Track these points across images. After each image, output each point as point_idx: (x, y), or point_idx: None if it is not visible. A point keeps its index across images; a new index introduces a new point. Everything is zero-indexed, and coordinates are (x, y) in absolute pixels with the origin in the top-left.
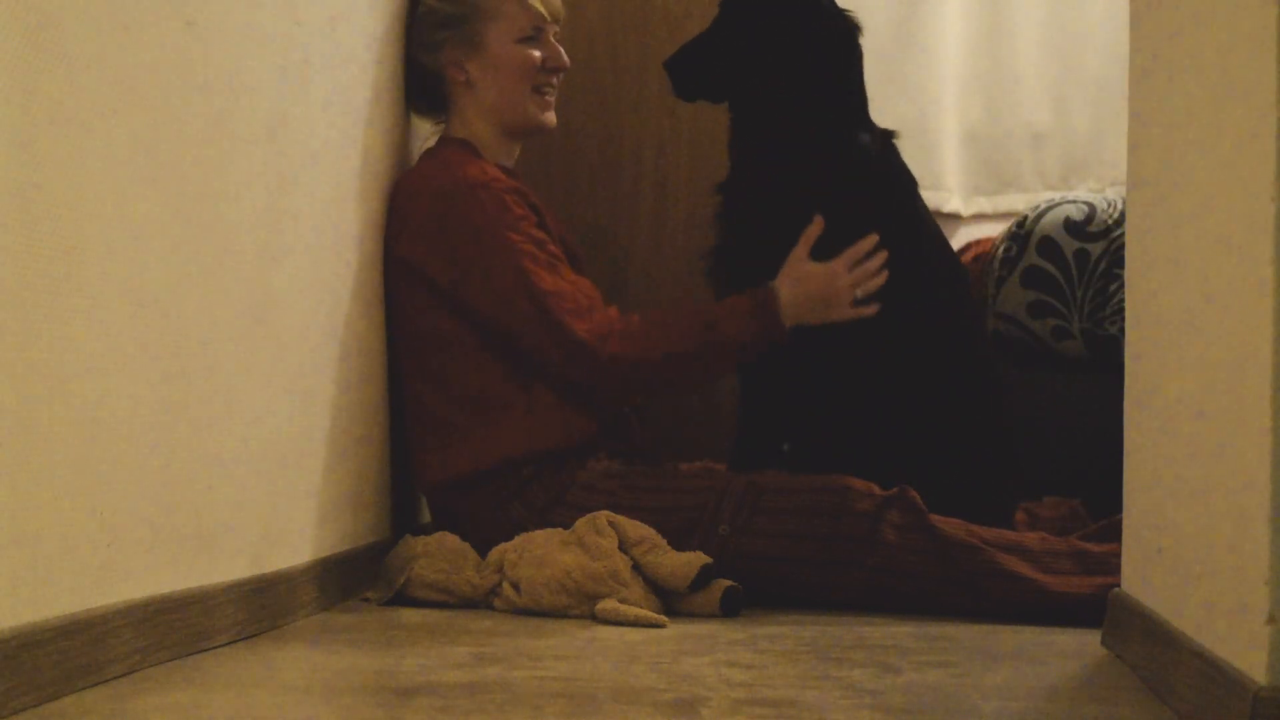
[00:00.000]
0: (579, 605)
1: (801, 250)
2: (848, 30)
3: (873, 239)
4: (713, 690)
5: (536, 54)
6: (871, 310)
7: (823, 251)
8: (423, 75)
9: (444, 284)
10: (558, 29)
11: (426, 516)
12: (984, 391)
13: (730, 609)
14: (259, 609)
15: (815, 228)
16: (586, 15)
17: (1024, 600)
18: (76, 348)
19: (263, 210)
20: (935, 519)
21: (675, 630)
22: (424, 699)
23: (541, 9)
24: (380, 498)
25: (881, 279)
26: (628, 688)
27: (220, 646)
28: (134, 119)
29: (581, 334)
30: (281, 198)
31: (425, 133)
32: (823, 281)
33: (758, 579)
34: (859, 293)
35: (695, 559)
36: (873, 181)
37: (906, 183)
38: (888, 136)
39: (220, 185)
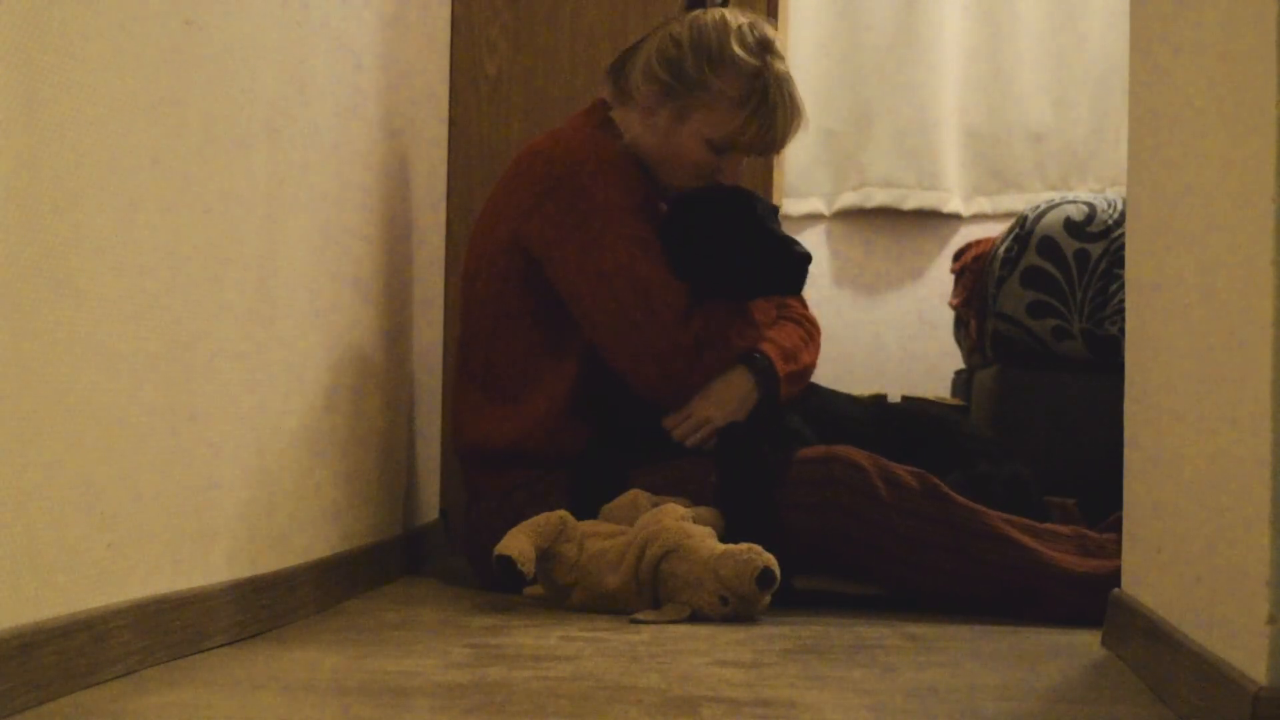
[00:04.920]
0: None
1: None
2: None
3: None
4: (713, 690)
5: (713, 163)
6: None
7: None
8: (625, 65)
9: (536, 253)
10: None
11: (428, 516)
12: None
13: (765, 583)
14: (259, 609)
15: None
16: (587, 15)
17: (1020, 566)
18: (76, 347)
19: (263, 209)
20: (942, 485)
21: (675, 630)
22: (424, 699)
23: (745, 137)
24: (381, 497)
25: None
26: (628, 688)
27: (220, 646)
28: (134, 119)
29: (684, 338)
30: (282, 196)
31: (434, 134)
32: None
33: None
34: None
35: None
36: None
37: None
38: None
39: (221, 184)
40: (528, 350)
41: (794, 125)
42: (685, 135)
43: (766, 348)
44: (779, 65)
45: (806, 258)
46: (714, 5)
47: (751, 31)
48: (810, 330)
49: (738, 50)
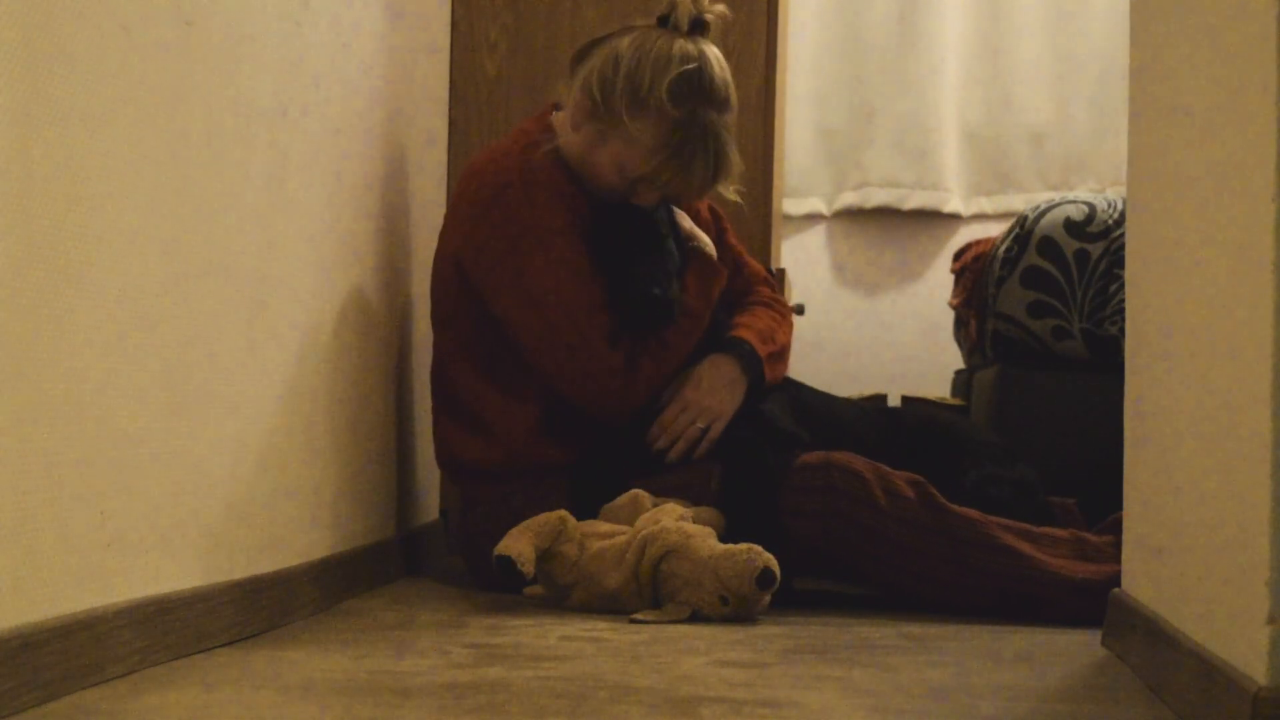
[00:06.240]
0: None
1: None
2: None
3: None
4: (713, 690)
5: (629, 189)
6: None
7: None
8: (584, 60)
9: (473, 279)
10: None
11: (428, 516)
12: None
13: (765, 584)
14: (259, 609)
15: None
16: (587, 15)
17: (1017, 574)
18: (76, 347)
19: (261, 210)
20: (938, 495)
21: (675, 630)
22: (424, 699)
23: (659, 180)
24: (381, 498)
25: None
26: (628, 688)
27: (220, 646)
28: (134, 119)
29: (614, 359)
30: (282, 196)
31: (434, 134)
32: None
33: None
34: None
35: (754, 557)
36: None
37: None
38: None
39: (219, 185)
40: (491, 376)
41: (717, 177)
42: (603, 159)
43: (743, 333)
44: (710, 116)
45: (659, 301)
46: (685, 12)
47: (692, 76)
48: (781, 310)
49: (664, 96)
